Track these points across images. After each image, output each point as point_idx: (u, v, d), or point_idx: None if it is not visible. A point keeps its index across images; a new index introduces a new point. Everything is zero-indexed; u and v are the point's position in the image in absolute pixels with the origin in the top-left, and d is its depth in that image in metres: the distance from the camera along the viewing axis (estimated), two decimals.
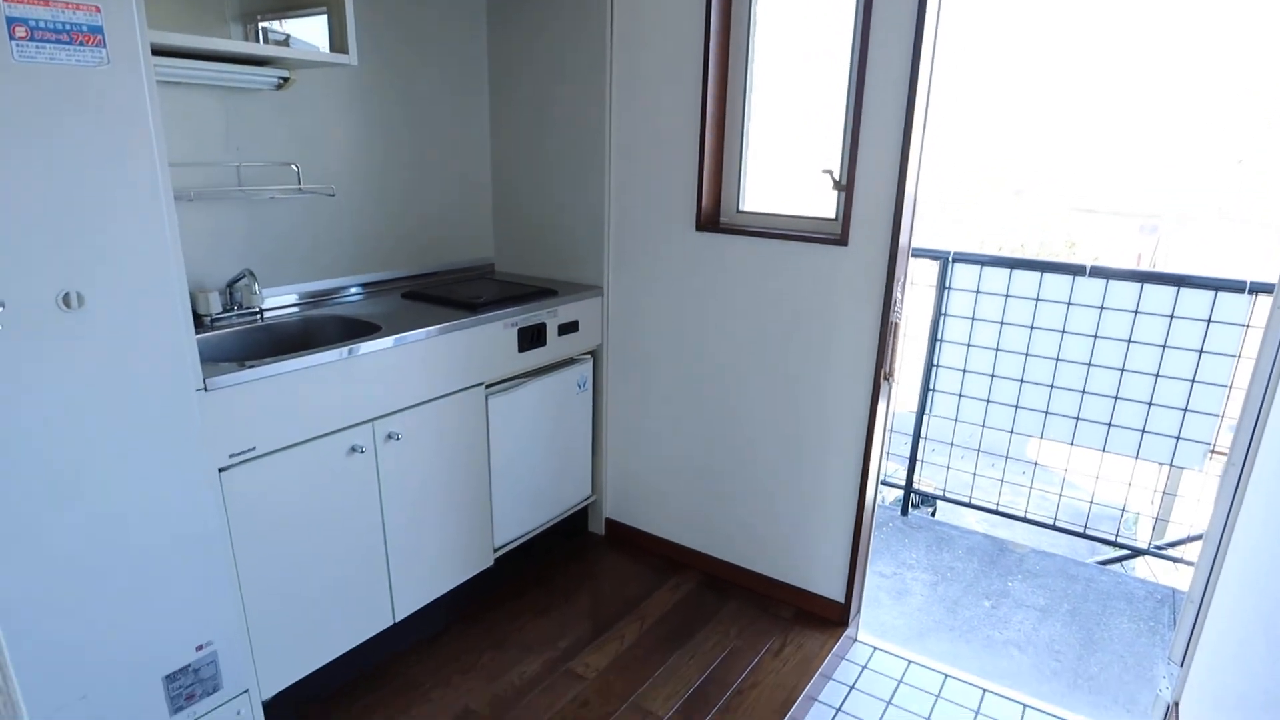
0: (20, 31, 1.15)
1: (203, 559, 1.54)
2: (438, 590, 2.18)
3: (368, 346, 1.82)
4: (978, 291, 3.12)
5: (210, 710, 1.63)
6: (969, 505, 3.37)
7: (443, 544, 2.15)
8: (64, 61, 1.20)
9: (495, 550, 2.35)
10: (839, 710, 2.08)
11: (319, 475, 1.77)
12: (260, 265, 2.08)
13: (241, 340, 1.97)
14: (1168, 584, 2.90)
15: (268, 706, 1.79)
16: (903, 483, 3.47)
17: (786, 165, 2.33)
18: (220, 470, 1.56)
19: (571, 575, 2.56)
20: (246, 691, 1.70)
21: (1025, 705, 2.12)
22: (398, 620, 2.06)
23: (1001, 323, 3.09)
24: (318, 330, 2.09)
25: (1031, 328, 3.03)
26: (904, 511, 3.44)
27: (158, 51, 1.53)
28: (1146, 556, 3.30)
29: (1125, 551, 3.26)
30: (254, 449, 1.62)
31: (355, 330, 1.99)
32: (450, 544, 2.18)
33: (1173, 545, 3.20)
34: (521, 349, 2.26)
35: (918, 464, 3.42)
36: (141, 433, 1.40)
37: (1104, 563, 3.27)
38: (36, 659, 1.34)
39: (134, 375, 1.37)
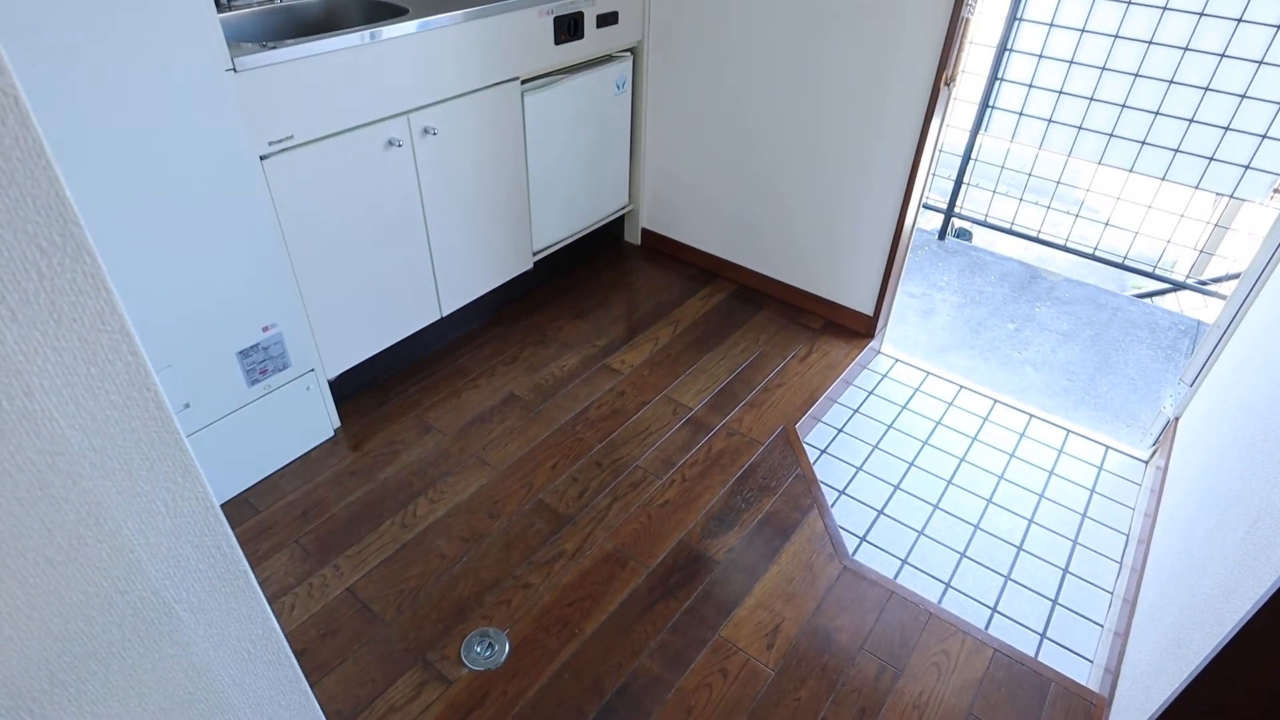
0: None
1: (257, 244, 1.60)
2: (480, 289, 2.27)
3: (393, 30, 1.70)
4: None
5: (281, 385, 1.80)
6: (1009, 232, 3.32)
7: (484, 244, 2.20)
8: None
9: (534, 254, 2.40)
10: (856, 411, 2.24)
11: (359, 168, 1.76)
12: None
13: (262, 22, 1.84)
14: (1194, 317, 2.93)
15: (333, 385, 1.97)
16: (944, 207, 3.39)
17: None
18: (262, 158, 1.55)
19: (607, 282, 2.64)
20: (312, 370, 1.86)
21: (1031, 416, 2.26)
22: (444, 315, 2.18)
23: (1083, 30, 2.78)
24: (340, 12, 1.95)
25: (1116, 37, 2.73)
26: (941, 236, 3.41)
27: None
28: (1178, 293, 3.30)
29: (1161, 285, 3.25)
30: (291, 137, 1.59)
31: (380, 13, 1.85)
32: (491, 244, 2.22)
33: (1213, 281, 3.18)
34: (558, 41, 2.11)
35: (963, 187, 3.31)
36: (178, 113, 1.37)
37: (1138, 296, 3.29)
38: None
39: (160, 52, 1.31)
